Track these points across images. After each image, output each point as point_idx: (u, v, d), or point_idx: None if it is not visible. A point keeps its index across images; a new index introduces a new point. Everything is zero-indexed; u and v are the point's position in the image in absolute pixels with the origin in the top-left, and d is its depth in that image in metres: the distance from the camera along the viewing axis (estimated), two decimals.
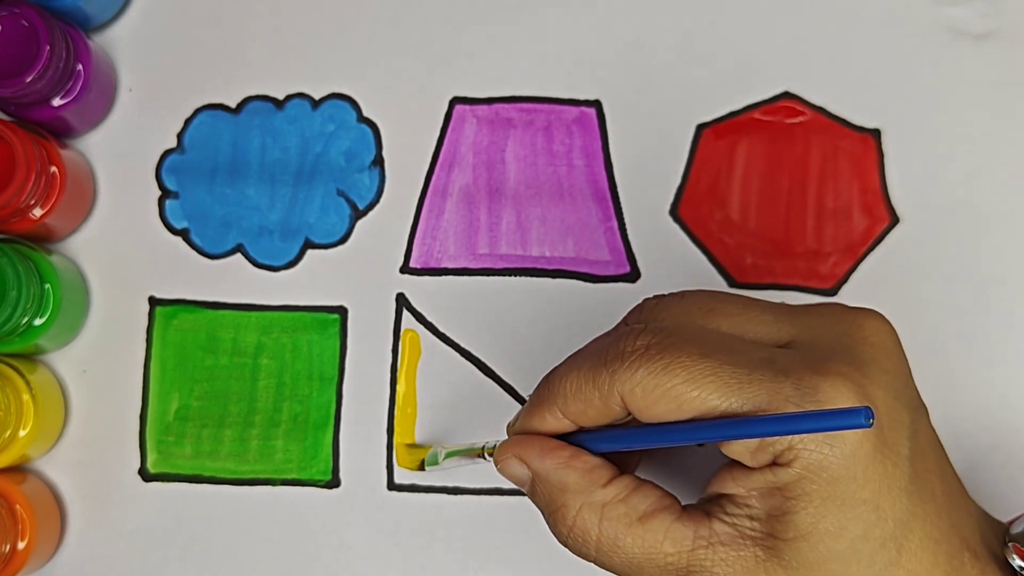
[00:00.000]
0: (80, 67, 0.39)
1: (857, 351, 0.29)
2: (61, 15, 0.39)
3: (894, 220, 0.41)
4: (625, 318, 0.33)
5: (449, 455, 0.38)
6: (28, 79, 0.37)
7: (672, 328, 0.30)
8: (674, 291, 0.32)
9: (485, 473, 0.41)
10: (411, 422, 0.41)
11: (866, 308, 0.31)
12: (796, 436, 0.28)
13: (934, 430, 0.32)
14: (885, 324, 0.31)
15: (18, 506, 0.38)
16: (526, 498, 0.41)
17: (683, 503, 0.32)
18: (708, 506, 0.31)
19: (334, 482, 0.41)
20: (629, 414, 0.30)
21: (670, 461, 0.40)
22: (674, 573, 0.30)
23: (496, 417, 0.41)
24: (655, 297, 0.32)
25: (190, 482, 0.41)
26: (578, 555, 0.32)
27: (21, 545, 0.38)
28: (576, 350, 0.32)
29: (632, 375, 0.29)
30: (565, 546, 0.32)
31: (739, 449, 0.29)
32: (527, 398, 0.41)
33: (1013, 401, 0.40)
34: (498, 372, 0.41)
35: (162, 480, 0.41)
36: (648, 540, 0.30)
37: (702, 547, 0.30)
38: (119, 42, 0.42)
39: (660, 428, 0.30)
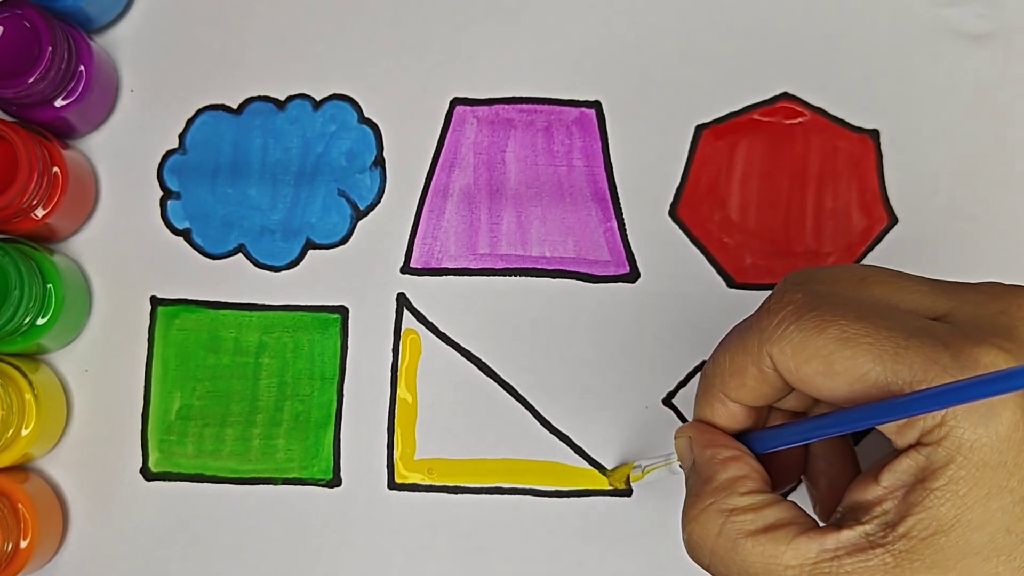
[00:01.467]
0: (82, 68, 0.39)
1: (1017, 329, 0.27)
2: (63, 16, 0.39)
3: (892, 220, 0.42)
4: (767, 299, 0.30)
5: (649, 469, 0.38)
6: (30, 80, 0.37)
7: (825, 288, 0.28)
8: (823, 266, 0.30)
9: (485, 472, 0.41)
10: (412, 422, 0.41)
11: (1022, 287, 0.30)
12: (949, 412, 0.26)
13: None
14: None
15: (20, 505, 0.38)
16: (526, 497, 0.41)
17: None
18: (839, 519, 0.29)
19: (335, 481, 0.41)
20: (787, 386, 0.29)
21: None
22: None
23: (496, 417, 0.41)
24: (802, 270, 0.31)
25: (192, 481, 0.41)
26: (692, 557, 0.31)
27: (23, 544, 0.38)
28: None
29: (782, 332, 0.28)
30: (685, 542, 0.31)
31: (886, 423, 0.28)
32: (528, 399, 0.41)
33: None
34: (498, 372, 0.41)
35: (164, 479, 0.41)
36: (769, 549, 0.28)
37: (826, 560, 0.28)
38: (121, 43, 0.43)
39: (815, 421, 0.29)
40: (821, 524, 0.29)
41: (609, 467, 0.41)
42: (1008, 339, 0.27)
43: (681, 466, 0.33)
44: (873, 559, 0.27)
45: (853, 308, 0.28)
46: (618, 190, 0.42)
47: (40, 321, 0.38)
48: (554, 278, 0.42)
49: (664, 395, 0.41)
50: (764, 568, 0.29)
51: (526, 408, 0.41)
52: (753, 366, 0.29)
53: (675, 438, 0.33)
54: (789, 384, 0.29)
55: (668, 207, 0.42)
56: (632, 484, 0.40)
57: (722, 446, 0.31)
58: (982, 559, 0.27)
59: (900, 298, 0.29)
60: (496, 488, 0.41)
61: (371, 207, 0.42)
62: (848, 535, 0.28)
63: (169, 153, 0.42)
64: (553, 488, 0.41)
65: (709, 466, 0.31)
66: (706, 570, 0.30)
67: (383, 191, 0.42)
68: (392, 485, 0.41)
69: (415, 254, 0.42)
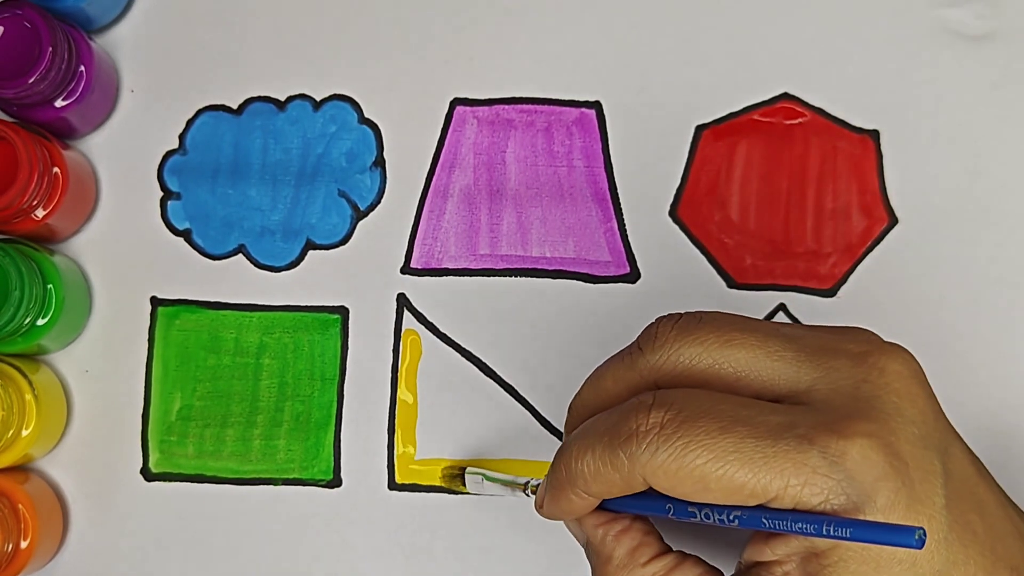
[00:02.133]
0: (82, 68, 0.39)
1: (880, 402, 0.28)
2: (63, 16, 0.39)
3: (892, 221, 0.42)
4: (638, 340, 0.32)
5: (490, 480, 0.38)
6: (30, 80, 0.37)
7: (683, 398, 0.29)
8: (690, 311, 0.31)
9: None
10: (412, 422, 0.41)
11: (887, 344, 0.30)
12: (832, 508, 0.27)
13: (971, 458, 0.31)
14: (908, 364, 0.30)
15: (21, 506, 0.38)
16: (526, 498, 0.41)
17: (727, 574, 0.31)
18: (748, 573, 0.30)
19: (335, 482, 0.41)
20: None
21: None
22: None
23: (496, 417, 0.41)
24: (669, 320, 0.31)
25: (192, 482, 0.41)
26: None
27: (24, 544, 0.38)
28: (586, 421, 0.31)
29: (652, 458, 0.28)
30: None
31: None
32: (528, 399, 0.41)
33: (1012, 401, 0.41)
34: (499, 372, 0.41)
35: (164, 480, 0.41)
36: None
37: None
38: (121, 43, 0.43)
39: (708, 511, 0.29)
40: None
41: None
42: (871, 418, 0.28)
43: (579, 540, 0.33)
44: None
45: (716, 417, 0.28)
46: (618, 190, 0.42)
47: (40, 322, 0.38)
48: (554, 278, 0.42)
49: None
50: None
51: (526, 408, 0.41)
52: (622, 481, 0.29)
53: (561, 518, 0.33)
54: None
55: (668, 207, 0.42)
56: (468, 489, 0.40)
57: (611, 522, 0.32)
58: None
59: (763, 366, 0.29)
60: None
61: (371, 207, 0.42)
62: None
63: (169, 153, 0.42)
64: None
65: (605, 545, 0.31)
66: None
67: (383, 191, 0.42)
68: (392, 485, 0.41)
69: (415, 254, 0.42)
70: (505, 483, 0.38)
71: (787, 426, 0.28)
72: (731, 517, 0.28)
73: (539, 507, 0.33)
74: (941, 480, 0.28)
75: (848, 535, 0.26)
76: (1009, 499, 0.32)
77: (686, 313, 0.31)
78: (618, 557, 0.31)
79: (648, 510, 0.31)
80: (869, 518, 0.27)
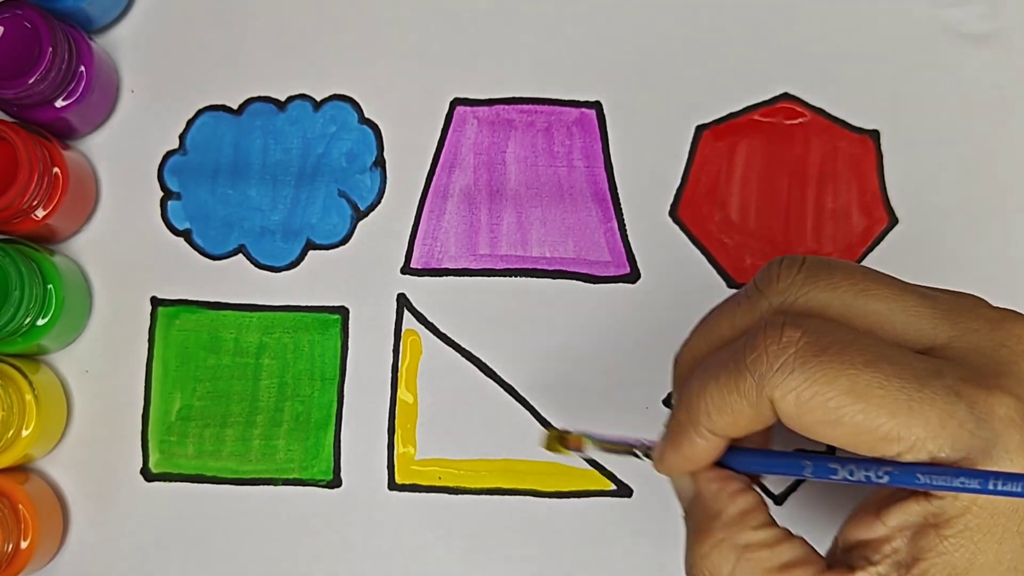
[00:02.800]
0: (82, 68, 0.39)
1: (1018, 365, 0.27)
2: (63, 16, 0.39)
3: (893, 221, 0.42)
4: (755, 281, 0.29)
5: (598, 445, 0.35)
6: (31, 80, 0.37)
7: (820, 323, 0.27)
8: (814, 256, 0.29)
9: (486, 473, 0.41)
10: (412, 422, 0.41)
11: (1016, 313, 0.28)
12: (971, 464, 0.25)
13: None
14: None
15: (21, 506, 0.38)
16: (526, 498, 0.41)
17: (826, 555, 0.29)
18: (850, 557, 0.28)
19: (335, 482, 0.41)
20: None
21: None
22: None
23: (496, 417, 0.41)
24: (792, 262, 0.28)
25: (192, 482, 0.41)
26: None
27: (24, 544, 0.38)
28: (702, 355, 0.29)
29: (785, 379, 0.26)
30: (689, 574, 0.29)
31: None
32: (528, 399, 0.41)
33: None
34: (499, 372, 0.41)
35: (164, 480, 0.41)
36: None
37: None
38: (121, 43, 0.43)
39: (855, 468, 0.27)
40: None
41: (607, 466, 0.41)
42: (1016, 381, 0.26)
43: (681, 504, 0.31)
44: None
45: (860, 351, 0.26)
46: (618, 190, 0.42)
47: (40, 322, 0.38)
48: (554, 279, 0.42)
49: (664, 395, 0.41)
50: None
51: (526, 408, 0.41)
52: (749, 408, 0.27)
53: (661, 473, 0.31)
54: (786, 426, 0.28)
55: (668, 207, 0.42)
56: (580, 454, 0.37)
57: (727, 478, 0.29)
58: None
59: (899, 318, 0.28)
60: (496, 489, 0.41)
61: (371, 208, 0.42)
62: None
63: (169, 154, 0.42)
64: (553, 489, 0.41)
65: (717, 499, 0.29)
66: None
67: (383, 192, 0.42)
68: (392, 485, 0.41)
69: (415, 255, 0.42)
70: (613, 446, 0.34)
71: (935, 373, 0.26)
72: (880, 473, 0.26)
73: (659, 461, 0.30)
74: None
75: (997, 488, 0.24)
76: None
77: (810, 256, 0.29)
78: (728, 515, 0.29)
79: (783, 469, 0.28)
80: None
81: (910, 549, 0.26)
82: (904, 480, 0.26)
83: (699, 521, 0.29)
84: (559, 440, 0.36)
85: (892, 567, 0.27)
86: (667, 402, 0.41)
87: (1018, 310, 0.29)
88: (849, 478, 0.27)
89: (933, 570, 0.26)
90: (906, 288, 0.28)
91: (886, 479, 0.26)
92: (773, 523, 0.29)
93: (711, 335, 0.30)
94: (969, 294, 0.29)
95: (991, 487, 0.25)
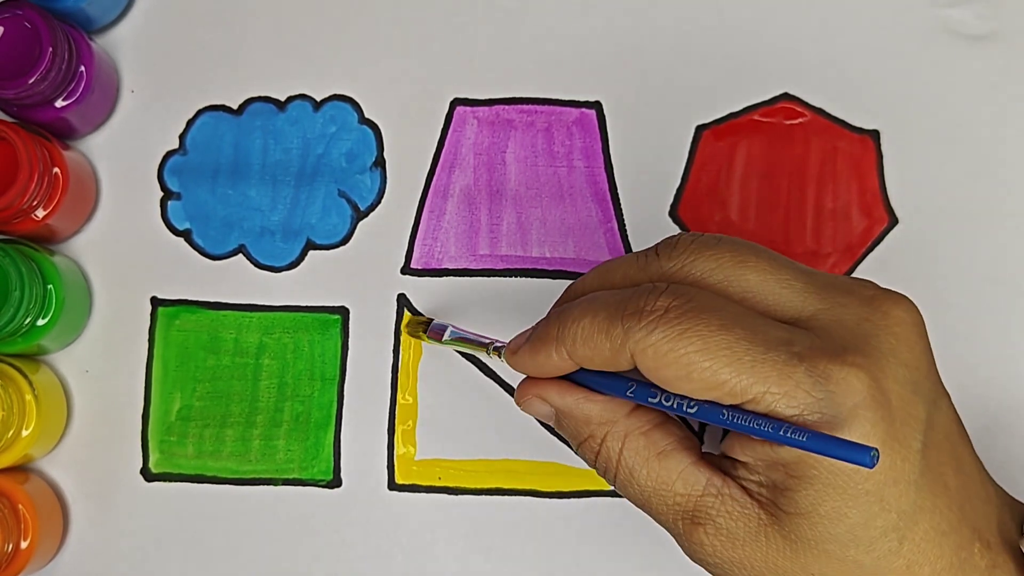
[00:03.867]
0: (82, 68, 0.39)
1: (878, 340, 0.29)
2: (63, 17, 0.39)
3: (893, 221, 0.42)
4: (656, 246, 0.32)
5: (454, 339, 0.38)
6: (31, 80, 0.37)
7: (694, 292, 0.29)
8: (711, 233, 0.32)
9: (486, 473, 0.41)
10: (412, 423, 0.41)
11: (895, 293, 0.31)
12: (804, 422, 0.28)
13: (956, 419, 0.32)
14: (911, 312, 0.30)
15: (21, 506, 0.38)
16: (526, 498, 0.41)
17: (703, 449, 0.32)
18: (723, 461, 0.31)
19: (335, 482, 0.41)
20: (635, 367, 0.30)
21: None
22: (679, 513, 0.31)
23: (496, 417, 0.41)
24: (691, 235, 0.32)
25: (192, 482, 0.41)
26: (606, 481, 0.33)
27: (24, 544, 0.38)
28: (593, 292, 0.32)
29: (647, 335, 0.29)
30: (596, 472, 0.33)
31: None
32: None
33: (1012, 402, 0.41)
34: (499, 372, 0.41)
35: (164, 480, 0.41)
36: (662, 477, 0.31)
37: (712, 495, 0.30)
38: (121, 43, 0.43)
39: (670, 395, 0.30)
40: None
41: None
42: (864, 352, 0.29)
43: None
44: (750, 510, 0.30)
45: (719, 315, 0.29)
46: (618, 190, 0.42)
47: (40, 322, 0.38)
48: (554, 279, 0.42)
49: None
50: (656, 494, 0.31)
51: None
52: (611, 352, 0.30)
53: (519, 402, 0.34)
54: (643, 374, 0.30)
55: (668, 207, 0.42)
56: (429, 340, 0.40)
57: (574, 389, 0.32)
58: (841, 546, 0.29)
59: (771, 290, 0.30)
60: (496, 489, 0.41)
61: (371, 208, 0.42)
62: (732, 482, 0.30)
63: (169, 154, 0.42)
64: (553, 489, 0.41)
65: (579, 407, 0.32)
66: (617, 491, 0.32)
67: (383, 192, 0.42)
68: (392, 486, 0.41)
69: (415, 255, 0.42)
70: (468, 340, 0.38)
71: (784, 341, 0.28)
72: (690, 405, 0.29)
73: (512, 354, 0.33)
74: (922, 427, 0.29)
75: (804, 441, 0.27)
76: (985, 470, 0.33)
77: (706, 233, 0.32)
78: (597, 413, 0.32)
79: (609, 388, 0.31)
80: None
81: (768, 475, 0.30)
82: (709, 416, 0.29)
83: (576, 431, 0.32)
84: (421, 326, 0.40)
85: (754, 483, 0.30)
86: None
87: (901, 293, 0.31)
88: (664, 404, 0.30)
89: (782, 499, 0.29)
90: (785, 264, 0.31)
91: (694, 411, 0.29)
92: (637, 408, 0.32)
93: (605, 279, 0.33)
94: (863, 279, 0.32)
95: (781, 435, 0.27)
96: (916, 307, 0.31)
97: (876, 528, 0.29)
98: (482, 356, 0.36)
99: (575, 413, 0.32)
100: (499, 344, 0.36)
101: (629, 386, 0.31)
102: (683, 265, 0.31)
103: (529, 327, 0.33)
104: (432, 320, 0.40)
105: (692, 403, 0.29)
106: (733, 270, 0.30)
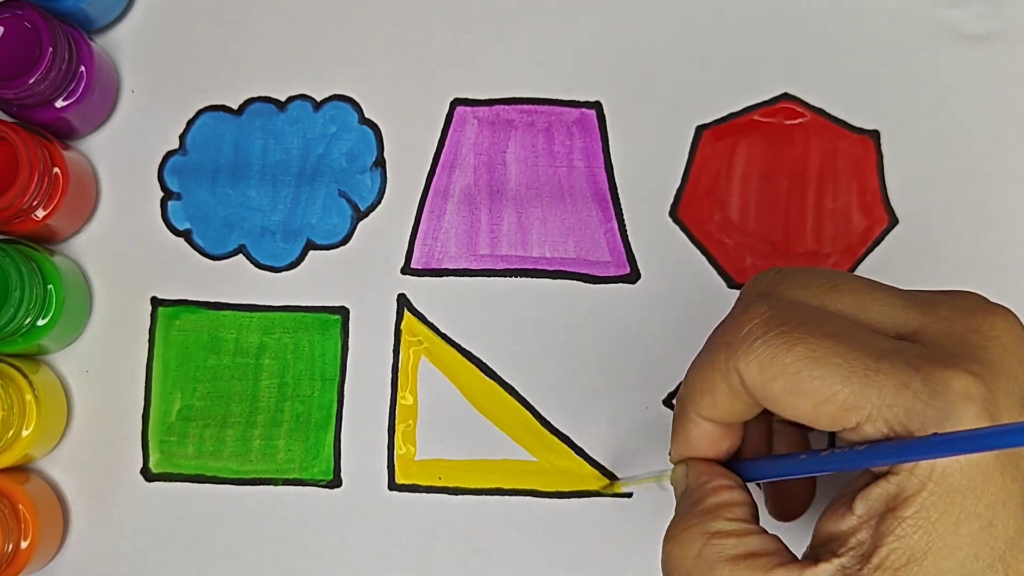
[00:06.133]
0: (83, 69, 0.39)
1: (988, 351, 0.27)
2: (64, 17, 0.39)
3: (893, 221, 0.42)
4: (741, 293, 0.31)
5: (637, 481, 0.38)
6: (31, 81, 0.37)
7: (793, 303, 0.28)
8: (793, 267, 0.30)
9: (486, 473, 0.41)
10: (412, 423, 0.41)
11: (998, 305, 0.29)
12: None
13: None
14: (1016, 324, 0.28)
15: (21, 506, 0.38)
16: (526, 498, 0.41)
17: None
18: (818, 552, 0.28)
19: (335, 482, 0.41)
20: (758, 403, 0.29)
21: None
22: None
23: (496, 417, 0.41)
24: (774, 270, 0.30)
25: (192, 482, 0.41)
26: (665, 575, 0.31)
27: (24, 544, 0.38)
28: None
29: (748, 347, 0.27)
30: (663, 561, 0.31)
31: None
32: (528, 399, 0.41)
33: None
34: (499, 372, 0.41)
35: (164, 480, 0.41)
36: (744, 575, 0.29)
37: None
38: (121, 44, 0.43)
39: (808, 457, 0.28)
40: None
41: (607, 466, 0.41)
42: (978, 362, 0.27)
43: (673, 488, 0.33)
44: None
45: (821, 324, 0.27)
46: (618, 191, 0.42)
47: (41, 322, 0.38)
48: (554, 279, 0.42)
49: (664, 395, 0.41)
50: None
51: (526, 408, 0.41)
52: (723, 382, 0.28)
53: (672, 463, 0.33)
54: (756, 399, 0.29)
55: (668, 208, 0.42)
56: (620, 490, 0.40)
57: (717, 475, 0.31)
58: None
59: (871, 309, 0.29)
60: (496, 489, 0.41)
61: (371, 208, 0.42)
62: (825, 568, 0.27)
63: (170, 154, 0.42)
64: (553, 489, 0.41)
65: (700, 491, 0.31)
66: None
67: (383, 192, 0.42)
68: (392, 486, 0.41)
69: (415, 255, 0.42)
70: (648, 481, 0.37)
71: (895, 350, 0.27)
72: (871, 452, 0.26)
73: (671, 451, 0.32)
74: None
75: (974, 443, 0.24)
76: None
77: (790, 267, 0.30)
78: (707, 504, 0.30)
79: (780, 471, 0.30)
80: (960, 464, 0.26)
81: (872, 538, 0.27)
82: (870, 459, 0.26)
83: (681, 508, 0.31)
84: (607, 487, 0.41)
85: (855, 559, 0.27)
86: (667, 402, 0.41)
87: (1003, 305, 0.29)
88: (836, 463, 0.27)
89: (892, 556, 0.26)
90: (879, 284, 0.29)
91: (879, 459, 0.26)
92: (751, 519, 0.30)
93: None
94: (961, 291, 0.30)
95: (937, 450, 0.25)
96: (1019, 319, 0.29)
97: (984, 559, 0.27)
98: (665, 484, 0.35)
99: (694, 494, 0.31)
100: (667, 472, 0.34)
101: (799, 459, 0.29)
102: (772, 291, 0.29)
103: None
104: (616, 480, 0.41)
105: (877, 452, 0.26)
106: (827, 295, 0.29)
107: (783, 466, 0.30)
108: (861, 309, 0.29)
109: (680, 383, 0.32)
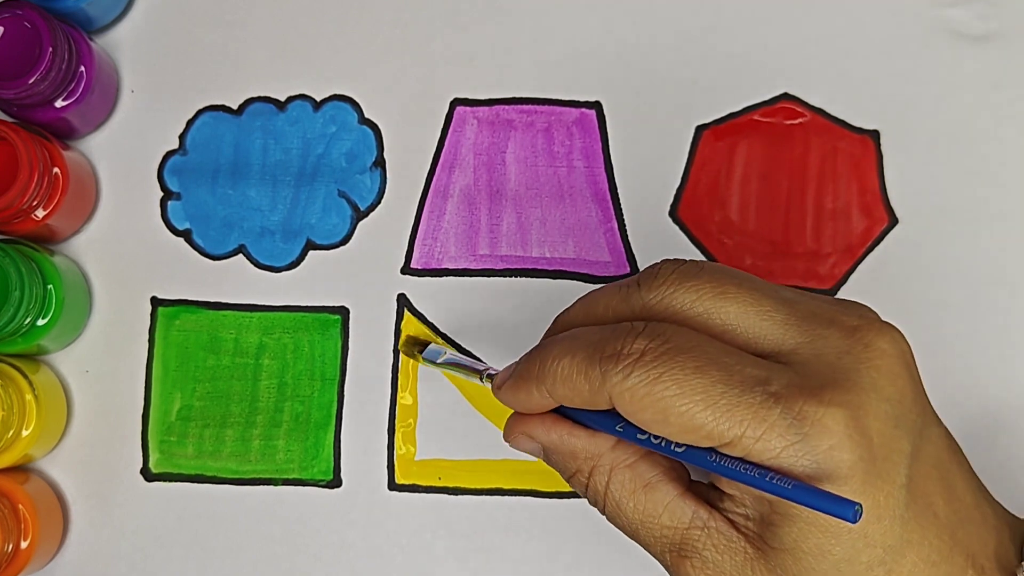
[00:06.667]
0: (82, 69, 0.39)
1: (858, 374, 0.29)
2: (64, 17, 0.39)
3: (892, 221, 0.42)
4: (638, 277, 0.32)
5: (449, 364, 0.38)
6: (31, 80, 0.37)
7: (671, 332, 0.29)
8: (695, 259, 0.31)
9: (486, 473, 0.41)
10: (412, 423, 0.41)
11: (880, 322, 0.30)
12: (779, 466, 0.28)
13: (949, 444, 0.31)
14: (895, 343, 0.30)
15: (21, 506, 0.38)
16: (526, 498, 0.41)
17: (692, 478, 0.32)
18: (710, 492, 0.31)
19: (335, 482, 0.41)
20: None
21: None
22: (667, 546, 0.31)
23: (497, 417, 0.41)
24: (673, 263, 0.31)
25: (192, 482, 0.41)
26: (598, 511, 0.33)
27: (24, 544, 0.38)
28: (574, 329, 0.32)
29: (624, 379, 0.29)
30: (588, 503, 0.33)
31: None
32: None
33: (1012, 401, 0.41)
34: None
35: (164, 480, 0.41)
36: (648, 510, 0.31)
37: (698, 528, 0.30)
38: (121, 44, 0.43)
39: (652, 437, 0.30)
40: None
41: None
42: (845, 388, 0.28)
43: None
44: (737, 544, 0.30)
45: (693, 357, 0.28)
46: (618, 191, 0.42)
47: (40, 322, 0.38)
48: (554, 279, 0.42)
49: None
50: (643, 525, 0.31)
51: None
52: (589, 392, 0.30)
53: (507, 439, 0.34)
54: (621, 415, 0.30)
55: (668, 208, 0.42)
56: (423, 363, 0.40)
57: (559, 423, 0.32)
58: None
59: (751, 324, 0.30)
60: (496, 489, 0.41)
61: (371, 208, 0.42)
62: (719, 515, 0.30)
63: (169, 154, 0.42)
64: (553, 489, 0.41)
65: (564, 442, 0.32)
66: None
67: (383, 192, 0.42)
68: (392, 486, 0.41)
69: (415, 255, 0.42)
70: (462, 366, 0.38)
71: (761, 380, 0.28)
72: (677, 446, 0.29)
73: (497, 389, 0.34)
74: (907, 460, 0.29)
75: (789, 490, 0.27)
76: (986, 490, 0.32)
77: (690, 260, 0.32)
78: (582, 447, 0.32)
79: (598, 423, 0.31)
80: (817, 485, 0.27)
81: (755, 508, 0.30)
82: (697, 459, 0.29)
83: (564, 465, 0.33)
84: (417, 347, 0.40)
85: (741, 516, 0.30)
86: None
87: (893, 324, 0.30)
88: (652, 442, 0.30)
89: (767, 534, 0.29)
90: (768, 293, 0.30)
91: (682, 450, 0.29)
92: (626, 444, 0.32)
93: (589, 311, 0.33)
94: (852, 302, 0.31)
95: (767, 483, 0.27)
96: (902, 337, 0.30)
97: (861, 563, 0.29)
98: (475, 381, 0.36)
99: (561, 449, 0.32)
100: (492, 372, 0.36)
101: (618, 422, 0.31)
102: (663, 297, 0.31)
103: (515, 360, 0.33)
104: (429, 344, 0.40)
105: (679, 444, 0.29)
106: (713, 302, 0.30)
107: (599, 421, 0.31)
108: (742, 321, 0.30)
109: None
